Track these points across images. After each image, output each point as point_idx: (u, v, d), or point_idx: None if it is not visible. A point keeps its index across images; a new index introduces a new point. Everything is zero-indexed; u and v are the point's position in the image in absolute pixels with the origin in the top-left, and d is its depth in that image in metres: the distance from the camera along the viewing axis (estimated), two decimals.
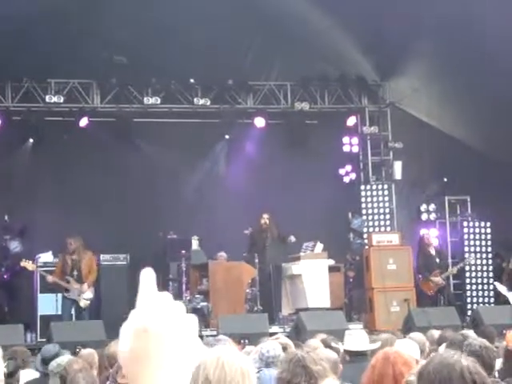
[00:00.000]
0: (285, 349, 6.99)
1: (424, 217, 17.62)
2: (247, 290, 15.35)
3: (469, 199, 17.81)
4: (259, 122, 17.42)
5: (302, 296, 15.00)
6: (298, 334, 12.11)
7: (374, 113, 18.20)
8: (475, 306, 16.62)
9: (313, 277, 14.98)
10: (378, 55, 16.60)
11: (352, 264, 17.22)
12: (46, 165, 16.65)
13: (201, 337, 9.31)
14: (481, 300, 17.23)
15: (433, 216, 17.66)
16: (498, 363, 6.07)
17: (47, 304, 14.67)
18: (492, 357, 5.72)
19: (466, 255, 17.19)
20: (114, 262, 15.63)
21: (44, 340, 13.13)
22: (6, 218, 15.84)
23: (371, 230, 17.40)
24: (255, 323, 13.01)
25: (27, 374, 7.86)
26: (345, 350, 6.97)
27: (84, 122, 16.53)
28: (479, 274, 17.40)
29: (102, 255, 15.45)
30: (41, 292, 14.96)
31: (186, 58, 15.48)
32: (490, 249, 17.46)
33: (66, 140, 16.59)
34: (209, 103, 16.88)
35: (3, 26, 13.63)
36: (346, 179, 18.30)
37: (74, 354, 9.06)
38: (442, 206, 17.78)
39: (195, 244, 16.32)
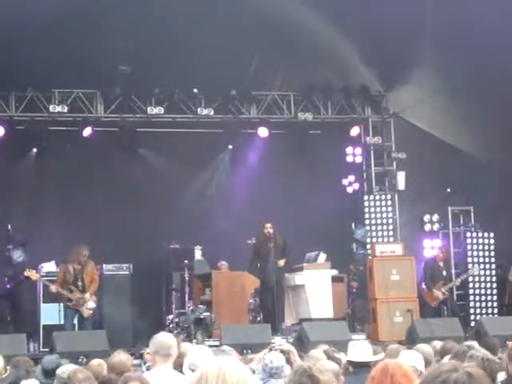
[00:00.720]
0: (288, 356, 6.98)
1: (427, 227, 17.61)
2: (250, 300, 15.34)
3: (472, 210, 17.79)
4: (262, 132, 17.44)
5: (305, 306, 14.98)
6: (301, 344, 12.08)
7: (378, 123, 18.21)
8: (479, 316, 16.59)
9: (316, 287, 14.97)
10: (381, 66, 16.63)
11: (355, 274, 17.20)
12: (49, 174, 16.65)
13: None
14: (484, 311, 17.19)
15: (436, 226, 17.64)
16: (501, 376, 6.05)
17: (50, 314, 14.65)
18: (494, 369, 5.71)
19: (470, 266, 17.16)
20: (117, 272, 15.62)
21: (47, 350, 13.10)
22: (9, 227, 15.83)
23: (374, 240, 17.40)
24: (258, 333, 13.00)
25: None
26: (348, 361, 6.95)
27: (87, 131, 16.56)
28: (483, 285, 17.37)
29: (104, 265, 15.44)
30: (44, 302, 14.94)
31: (190, 68, 15.52)
32: (493, 259, 17.44)
33: (70, 150, 16.61)
34: (212, 113, 16.91)
35: (7, 35, 13.68)
36: (350, 189, 18.30)
37: (77, 363, 9.04)
38: (446, 216, 17.77)
39: (198, 254, 16.30)
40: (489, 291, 17.37)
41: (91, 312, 14.17)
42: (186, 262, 15.86)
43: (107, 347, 11.93)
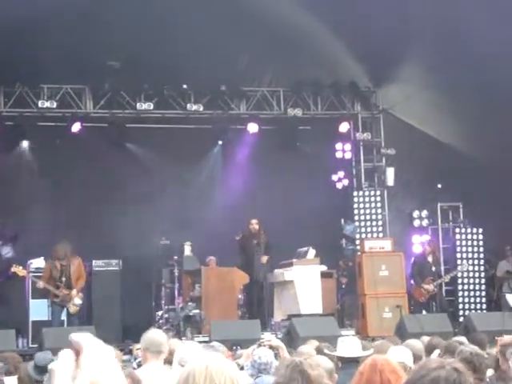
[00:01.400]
0: (277, 351, 6.99)
1: (416, 223, 17.65)
2: (239, 296, 15.35)
3: (461, 205, 17.84)
4: (252, 127, 17.43)
5: (294, 302, 14.99)
6: (291, 340, 12.10)
7: (367, 119, 18.23)
8: (467, 312, 16.64)
9: (305, 283, 14.98)
10: (371, 62, 16.63)
11: (344, 270, 17.23)
12: (38, 170, 16.61)
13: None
14: (473, 306, 17.25)
15: (425, 222, 17.69)
16: (489, 372, 6.07)
17: (39, 310, 14.64)
18: (483, 363, 5.73)
19: (459, 262, 17.22)
20: (107, 268, 15.60)
21: (35, 346, 13.09)
22: None
23: (364, 236, 17.42)
24: (247, 329, 13.01)
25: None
26: (337, 357, 6.96)
27: (76, 127, 16.52)
28: (471, 281, 17.42)
29: (94, 261, 15.43)
30: (32, 298, 14.92)
31: (179, 64, 15.48)
32: (482, 255, 17.49)
33: (59, 145, 16.57)
34: (202, 109, 16.88)
35: None
36: (339, 185, 18.32)
37: None
38: (435, 212, 17.82)
39: (187, 250, 16.29)
40: (477, 287, 17.43)
41: (78, 308, 14.14)
42: (175, 257, 15.86)
43: None
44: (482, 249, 17.48)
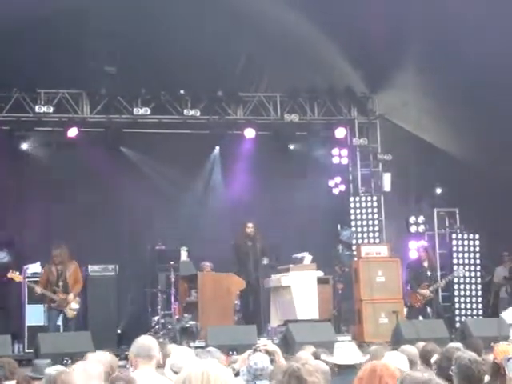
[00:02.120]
0: (272, 357, 6.97)
1: (413, 229, 17.65)
2: (236, 302, 15.34)
3: (457, 211, 17.86)
4: (249, 133, 17.45)
5: (290, 307, 14.99)
6: (287, 345, 12.09)
7: (364, 125, 18.25)
8: (464, 318, 16.65)
9: (302, 288, 14.97)
10: (367, 67, 16.66)
11: (341, 276, 17.22)
12: (34, 175, 16.60)
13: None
14: (469, 312, 17.26)
15: (421, 228, 17.69)
16: (485, 379, 6.06)
17: (35, 315, 14.61)
18: (481, 371, 5.72)
19: (455, 267, 17.23)
20: (103, 273, 15.57)
21: (31, 351, 13.07)
22: None
23: (360, 241, 17.43)
24: (244, 335, 12.99)
25: None
26: (334, 364, 6.95)
27: (73, 132, 16.52)
28: (468, 287, 17.44)
29: (90, 266, 15.40)
30: (28, 303, 14.89)
31: (176, 69, 15.50)
32: (478, 261, 17.51)
33: (56, 150, 16.56)
34: (198, 114, 16.89)
35: None
36: (336, 191, 18.33)
37: (62, 365, 9.01)
38: (431, 218, 17.83)
39: (184, 255, 16.28)
40: (474, 293, 17.44)
41: (75, 313, 14.12)
42: (171, 263, 15.84)
43: (92, 348, 11.88)
44: (478, 254, 17.49)
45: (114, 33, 14.56)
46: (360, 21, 14.42)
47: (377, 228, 17.73)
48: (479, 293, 17.42)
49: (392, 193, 17.77)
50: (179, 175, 17.28)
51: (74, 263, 14.29)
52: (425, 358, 7.80)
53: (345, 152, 18.25)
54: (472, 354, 5.90)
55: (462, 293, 17.42)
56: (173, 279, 15.69)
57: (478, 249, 17.49)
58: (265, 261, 15.39)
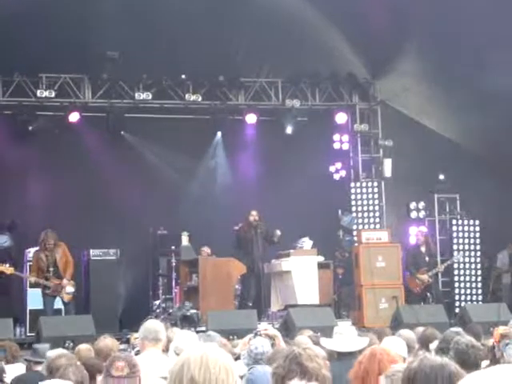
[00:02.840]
0: (273, 341, 7.02)
1: (413, 215, 17.68)
2: (236, 286, 15.39)
3: (458, 197, 17.88)
4: (250, 118, 17.45)
5: (291, 292, 15.05)
6: (287, 330, 12.16)
7: (365, 110, 18.25)
8: (463, 303, 16.70)
9: (302, 273, 15.03)
10: (369, 53, 16.65)
11: (341, 261, 17.28)
12: (36, 159, 16.62)
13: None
14: (469, 298, 17.31)
15: (422, 214, 17.72)
16: (484, 364, 6.10)
17: (36, 299, 14.65)
18: (478, 356, 5.76)
19: (455, 253, 17.27)
20: (104, 257, 15.62)
21: (33, 334, 13.13)
22: None
23: (361, 227, 17.47)
24: (244, 319, 13.05)
25: (16, 368, 7.88)
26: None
27: (74, 117, 16.53)
28: (467, 272, 17.48)
29: (91, 250, 15.44)
30: (30, 287, 14.94)
31: (178, 54, 15.49)
32: (478, 247, 17.54)
33: (57, 135, 16.58)
34: (200, 99, 16.89)
35: None
36: (336, 176, 18.35)
37: (64, 348, 9.08)
38: (432, 203, 17.85)
39: (185, 240, 16.33)
40: (473, 278, 17.49)
41: (71, 296, 14.05)
42: (172, 247, 15.90)
43: (93, 332, 11.96)
44: (478, 240, 17.53)
45: (116, 18, 14.54)
46: (362, 6, 14.40)
47: (377, 214, 17.77)
48: (479, 278, 17.46)
49: (393, 178, 17.79)
50: (180, 160, 17.30)
51: (61, 245, 14.06)
52: (424, 342, 7.85)
53: (346, 138, 18.26)
54: (470, 339, 5.94)
55: (462, 278, 17.47)
56: (174, 264, 15.75)
57: (478, 235, 17.52)
58: (278, 232, 15.26)
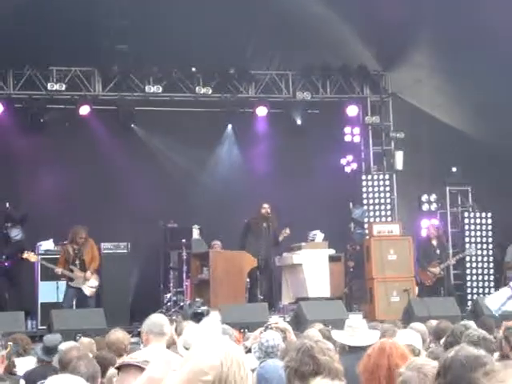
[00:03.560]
0: (284, 334, 7.00)
1: (425, 207, 17.61)
2: (247, 280, 15.36)
3: (470, 190, 17.80)
4: (261, 111, 17.40)
5: (302, 285, 15.02)
6: (298, 323, 12.12)
7: (376, 103, 18.18)
8: (475, 296, 16.64)
9: (313, 266, 15.00)
10: (380, 45, 16.57)
11: (352, 254, 17.23)
12: (47, 152, 16.63)
13: None
14: (481, 290, 17.24)
15: (434, 206, 17.65)
16: (495, 356, 6.07)
17: (48, 292, 14.70)
18: (490, 348, 5.73)
19: (467, 246, 17.20)
20: (115, 251, 15.64)
21: (44, 328, 13.16)
22: (7, 205, 15.83)
23: (372, 220, 17.42)
24: (255, 312, 13.04)
25: (27, 362, 7.88)
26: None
27: (85, 110, 16.52)
28: (480, 265, 17.41)
29: (102, 243, 15.46)
30: (41, 280, 14.99)
31: (188, 47, 15.46)
32: (490, 239, 17.47)
33: (68, 128, 16.58)
34: (210, 92, 16.85)
35: (4, 12, 13.61)
36: (348, 169, 18.30)
37: (75, 341, 9.07)
38: (443, 196, 17.78)
39: (196, 233, 16.32)
40: (486, 271, 17.42)
41: (94, 290, 14.23)
42: (183, 241, 15.88)
43: (105, 325, 11.98)
44: (490, 233, 17.46)
45: (126, 10, 14.52)
46: None
47: (389, 206, 17.71)
48: (491, 271, 17.39)
49: (404, 171, 17.73)
50: (191, 153, 17.27)
51: (90, 241, 14.45)
52: (438, 335, 7.81)
53: (357, 130, 18.20)
54: (482, 332, 5.91)
55: (474, 271, 17.40)
56: (185, 257, 15.74)
57: (490, 227, 17.45)
58: (287, 231, 15.21)
